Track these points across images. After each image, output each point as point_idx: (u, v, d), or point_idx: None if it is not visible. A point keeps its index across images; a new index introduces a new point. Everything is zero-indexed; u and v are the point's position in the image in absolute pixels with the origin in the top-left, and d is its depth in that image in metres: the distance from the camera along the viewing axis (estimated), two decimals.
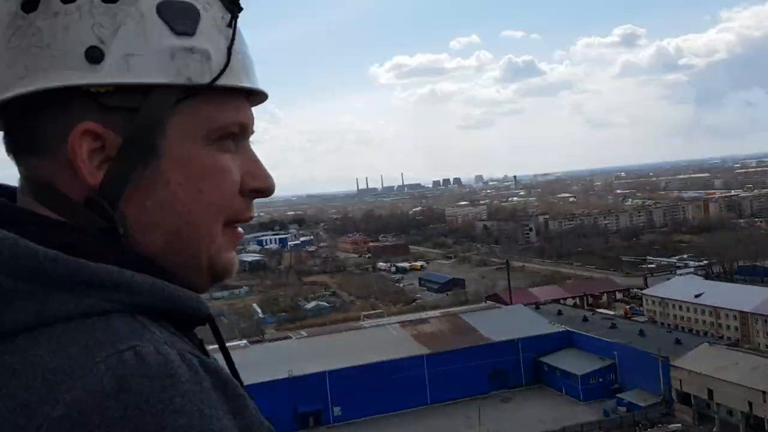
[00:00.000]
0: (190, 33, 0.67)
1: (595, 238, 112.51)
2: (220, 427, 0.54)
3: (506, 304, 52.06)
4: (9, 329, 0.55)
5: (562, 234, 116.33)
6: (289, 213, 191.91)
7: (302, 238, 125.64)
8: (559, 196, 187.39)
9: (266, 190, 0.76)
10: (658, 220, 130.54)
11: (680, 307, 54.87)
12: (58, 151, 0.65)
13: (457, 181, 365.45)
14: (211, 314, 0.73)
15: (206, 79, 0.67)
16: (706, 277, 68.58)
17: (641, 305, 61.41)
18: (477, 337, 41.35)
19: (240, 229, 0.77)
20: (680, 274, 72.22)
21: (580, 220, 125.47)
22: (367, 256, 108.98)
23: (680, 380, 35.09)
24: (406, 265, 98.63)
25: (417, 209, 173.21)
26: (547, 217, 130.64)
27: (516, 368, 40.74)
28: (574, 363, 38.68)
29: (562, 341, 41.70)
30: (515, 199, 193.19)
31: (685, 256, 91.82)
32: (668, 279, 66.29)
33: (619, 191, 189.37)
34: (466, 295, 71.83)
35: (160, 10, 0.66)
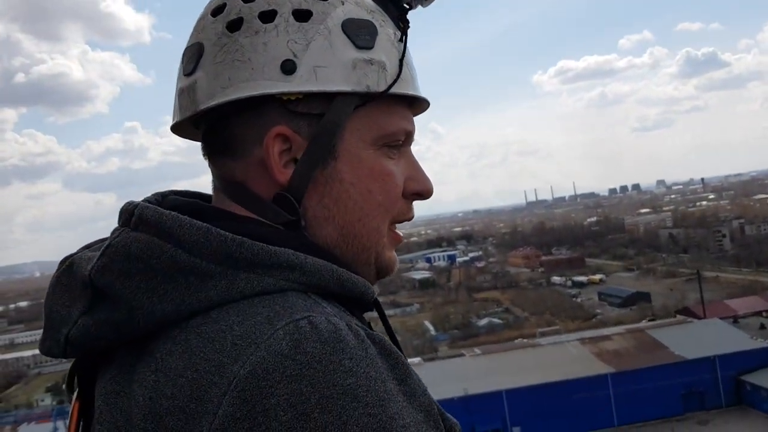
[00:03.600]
0: (369, 47, 0.76)
1: None
2: (385, 389, 0.60)
3: (699, 318, 47.61)
4: (205, 305, 0.64)
5: (761, 239, 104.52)
6: (456, 229, 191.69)
7: (471, 254, 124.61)
8: (756, 197, 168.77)
9: (426, 192, 0.83)
10: None
11: None
12: (251, 154, 0.75)
13: (636, 187, 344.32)
14: (378, 299, 0.79)
15: (382, 87, 0.76)
16: None
17: None
18: (667, 355, 38.16)
19: (400, 233, 0.84)
20: None
21: None
22: (539, 270, 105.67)
23: None
24: (583, 278, 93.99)
25: (592, 219, 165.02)
26: (742, 221, 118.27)
27: (714, 388, 36.98)
28: None
29: (766, 358, 37.24)
30: (704, 203, 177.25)
31: None
32: None
33: None
34: (653, 310, 66.77)
35: (345, 27, 0.75)
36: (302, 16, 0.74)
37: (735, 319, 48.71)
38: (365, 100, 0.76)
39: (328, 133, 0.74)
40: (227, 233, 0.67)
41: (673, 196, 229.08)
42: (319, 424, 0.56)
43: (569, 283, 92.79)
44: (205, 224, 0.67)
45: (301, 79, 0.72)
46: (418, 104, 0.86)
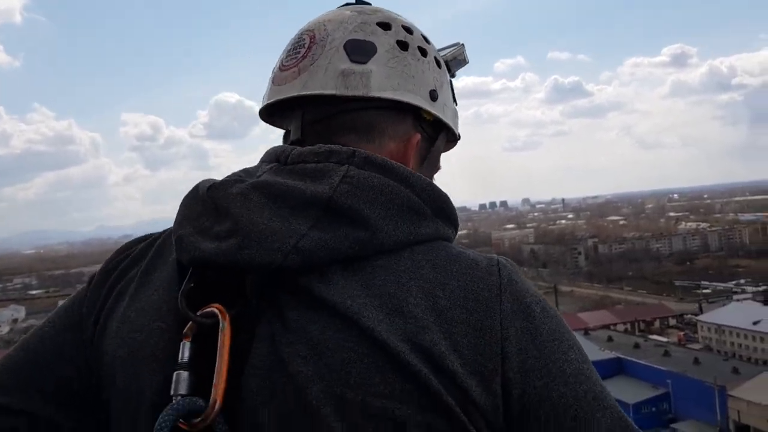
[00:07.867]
0: (456, 102, 1.03)
1: (647, 262, 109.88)
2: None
3: None
4: (422, 239, 0.80)
5: (612, 258, 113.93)
6: None
7: None
8: (609, 218, 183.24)
9: None
10: (713, 243, 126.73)
11: (738, 335, 52.83)
12: (386, 145, 0.91)
13: (504, 204, 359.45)
14: None
15: (458, 135, 1.03)
16: (765, 302, 65.37)
17: (696, 332, 59.37)
18: None
19: None
20: (737, 300, 69.61)
21: (631, 244, 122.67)
22: None
23: (738, 411, 33.65)
24: None
25: (463, 232, 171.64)
26: (596, 240, 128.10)
27: None
28: (625, 391, 37.33)
29: (613, 368, 40.42)
30: (563, 222, 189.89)
31: (742, 281, 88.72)
32: (724, 305, 64.03)
33: (671, 214, 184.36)
34: None
35: (451, 84, 1.01)
36: (438, 63, 0.97)
37: (586, 331, 52.22)
38: (451, 139, 1.02)
39: (436, 154, 0.97)
40: (444, 191, 0.84)
41: (536, 214, 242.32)
42: (551, 314, 0.79)
43: None
44: (430, 181, 0.84)
45: (439, 108, 0.94)
46: None
